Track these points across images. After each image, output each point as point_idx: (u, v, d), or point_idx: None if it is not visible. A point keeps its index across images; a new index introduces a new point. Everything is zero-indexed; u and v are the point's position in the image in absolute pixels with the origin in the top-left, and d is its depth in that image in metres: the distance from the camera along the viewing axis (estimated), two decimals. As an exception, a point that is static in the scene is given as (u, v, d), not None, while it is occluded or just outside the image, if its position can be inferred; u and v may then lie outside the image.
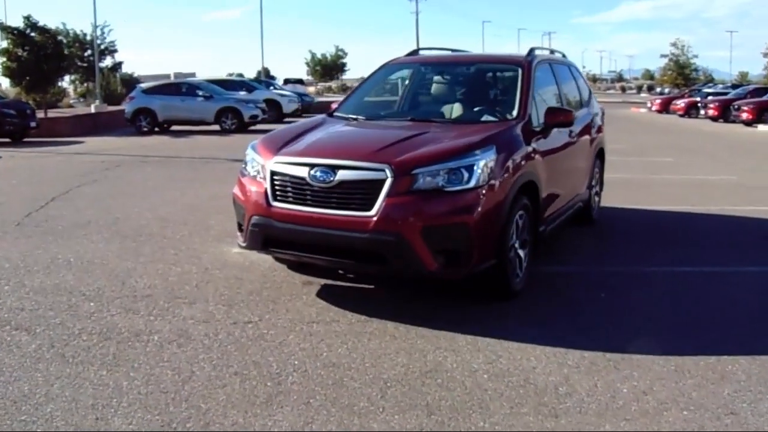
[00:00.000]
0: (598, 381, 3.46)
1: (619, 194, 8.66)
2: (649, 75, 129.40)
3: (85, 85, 35.33)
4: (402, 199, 4.07)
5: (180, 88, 21.58)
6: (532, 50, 5.97)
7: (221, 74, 36.72)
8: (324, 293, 4.87)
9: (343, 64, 67.74)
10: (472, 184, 4.15)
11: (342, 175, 4.19)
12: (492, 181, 4.27)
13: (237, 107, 21.08)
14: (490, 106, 5.51)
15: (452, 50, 7.10)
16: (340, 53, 66.56)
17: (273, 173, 4.49)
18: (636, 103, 46.16)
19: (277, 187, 4.46)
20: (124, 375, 3.47)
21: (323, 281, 5.11)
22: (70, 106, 29.72)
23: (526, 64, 5.59)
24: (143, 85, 22.47)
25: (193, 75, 59.01)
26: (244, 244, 4.76)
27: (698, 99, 31.40)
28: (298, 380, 3.42)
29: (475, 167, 4.17)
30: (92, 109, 24.55)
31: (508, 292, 4.64)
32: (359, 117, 5.59)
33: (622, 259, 5.97)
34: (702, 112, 29.30)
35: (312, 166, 4.30)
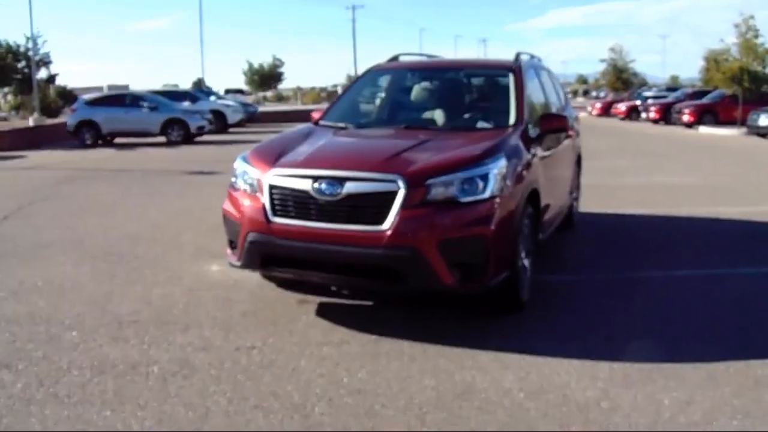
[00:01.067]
0: (637, 394, 3.33)
1: (590, 199, 8.66)
2: (582, 80, 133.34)
3: (18, 97, 33.72)
4: (416, 212, 3.86)
5: (124, 99, 20.82)
6: (518, 54, 5.88)
7: (155, 85, 35.76)
8: (323, 312, 4.60)
9: (281, 74, 67.20)
10: (487, 194, 3.98)
11: (350, 187, 3.94)
12: (505, 190, 4.11)
13: (183, 118, 20.47)
14: (485, 112, 5.36)
15: (428, 56, 6.97)
16: (277, 62, 66.01)
17: (272, 187, 4.20)
18: (575, 108, 47.24)
19: (276, 202, 4.17)
20: (132, 414, 3.13)
21: (318, 299, 4.84)
22: (4, 119, 28.27)
23: (517, 68, 5.48)
24: (86, 97, 21.53)
25: (126, 86, 57.26)
26: (238, 263, 4.44)
27: (639, 102, 32.40)
28: (326, 411, 3.16)
29: (489, 176, 4.00)
30: (30, 122, 23.37)
31: (518, 303, 4.49)
32: (348, 125, 5.37)
33: (616, 265, 5.92)
34: (643, 115, 30.23)
35: (316, 178, 4.04)
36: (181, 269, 5.76)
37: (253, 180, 4.36)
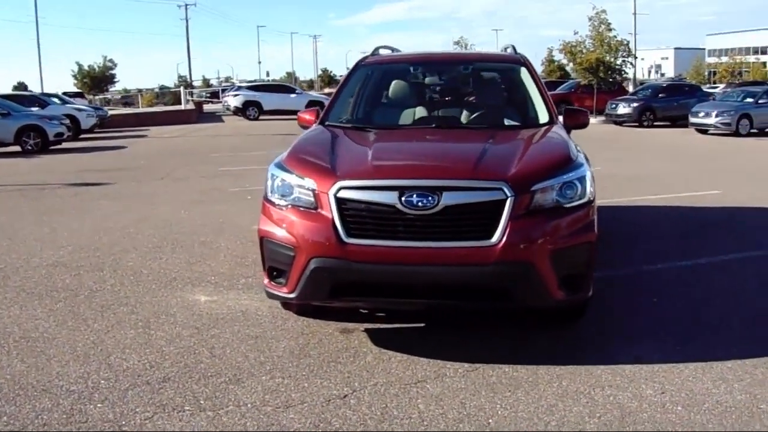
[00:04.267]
0: (782, 393, 3.24)
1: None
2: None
3: None
4: (526, 222, 3.46)
5: (-32, 106, 18.03)
6: (513, 47, 5.65)
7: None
8: (379, 341, 4.02)
9: (113, 75, 62.52)
10: (586, 198, 3.69)
11: (448, 198, 3.43)
12: (594, 192, 3.85)
13: (40, 125, 18.13)
14: (508, 108, 5.07)
15: (392, 49, 6.52)
16: (109, 64, 61.17)
17: (341, 201, 3.55)
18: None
19: (350, 219, 3.54)
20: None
21: (360, 326, 4.25)
22: None
23: (527, 61, 5.25)
24: (-77, 105, 18.33)
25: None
26: (290, 295, 3.74)
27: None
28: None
29: (586, 179, 3.72)
30: None
31: (585, 309, 4.25)
32: (367, 126, 4.79)
33: (620, 258, 5.85)
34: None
35: (403, 189, 3.47)
36: (161, 303, 4.87)
37: (307, 192, 3.69)
